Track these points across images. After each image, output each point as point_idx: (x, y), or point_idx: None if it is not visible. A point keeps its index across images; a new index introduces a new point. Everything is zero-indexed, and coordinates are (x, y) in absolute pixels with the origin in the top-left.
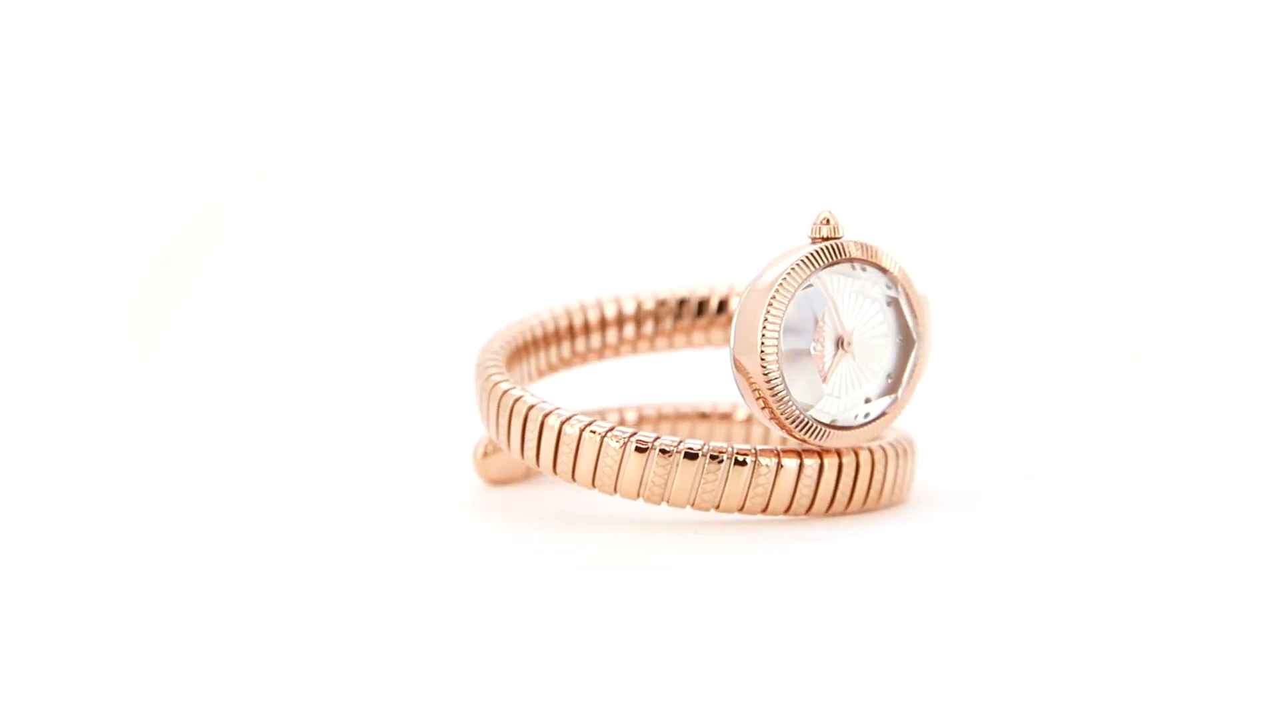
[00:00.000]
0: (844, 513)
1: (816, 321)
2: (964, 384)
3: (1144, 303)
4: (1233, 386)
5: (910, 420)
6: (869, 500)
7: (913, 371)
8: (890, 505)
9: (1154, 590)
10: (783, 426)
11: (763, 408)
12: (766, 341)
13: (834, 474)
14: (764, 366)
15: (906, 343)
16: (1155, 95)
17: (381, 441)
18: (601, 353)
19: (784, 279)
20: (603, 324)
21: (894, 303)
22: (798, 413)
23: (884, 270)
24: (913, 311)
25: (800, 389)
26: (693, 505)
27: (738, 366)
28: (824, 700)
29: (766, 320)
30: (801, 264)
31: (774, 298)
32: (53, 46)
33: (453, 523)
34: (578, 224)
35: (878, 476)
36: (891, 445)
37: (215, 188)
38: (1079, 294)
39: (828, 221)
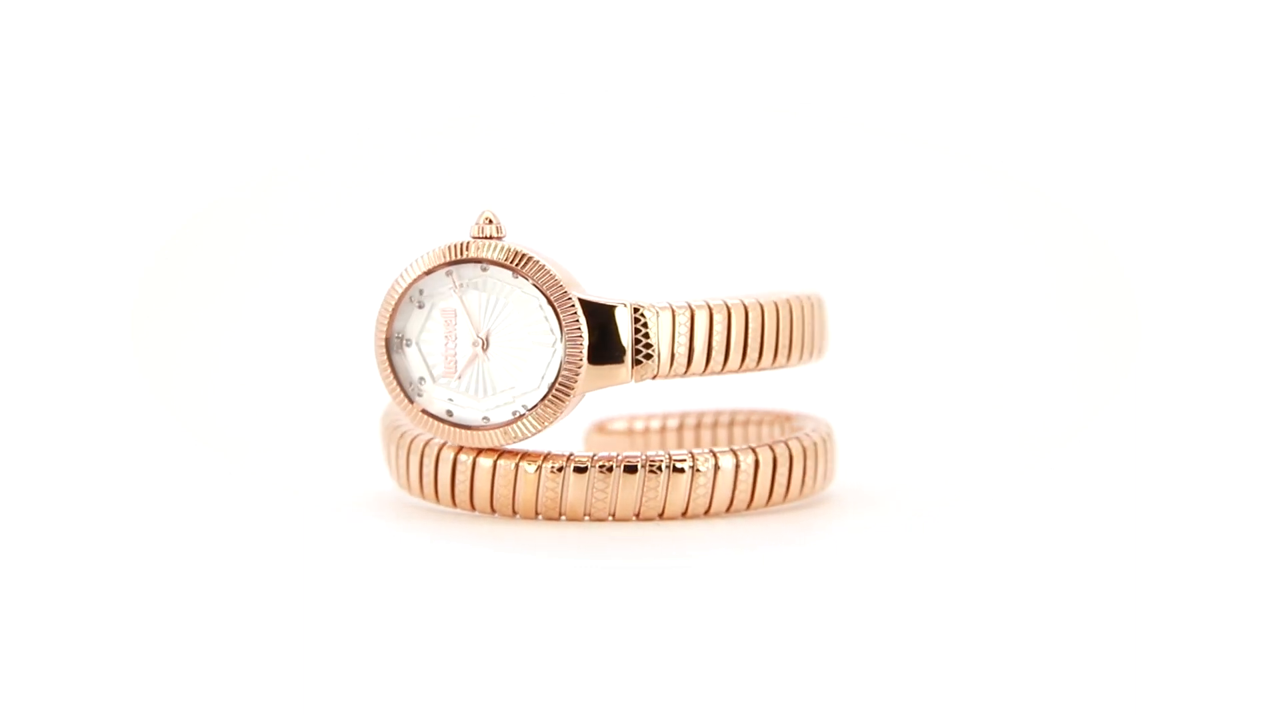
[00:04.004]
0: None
1: (448, 317)
2: (962, 384)
3: (1141, 303)
4: (1231, 387)
5: (908, 421)
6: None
7: (559, 374)
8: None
9: (1151, 590)
10: (415, 420)
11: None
12: (378, 330)
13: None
14: (377, 355)
15: (575, 348)
16: (1153, 95)
17: (374, 438)
18: None
19: (409, 271)
20: None
21: (554, 307)
22: (419, 405)
23: (532, 277)
24: (558, 319)
25: (427, 384)
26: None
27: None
28: (825, 701)
29: (382, 310)
30: (433, 256)
31: (392, 289)
32: (49, 48)
33: (447, 521)
34: (572, 221)
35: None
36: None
37: (211, 188)
38: (1075, 294)
39: (490, 221)
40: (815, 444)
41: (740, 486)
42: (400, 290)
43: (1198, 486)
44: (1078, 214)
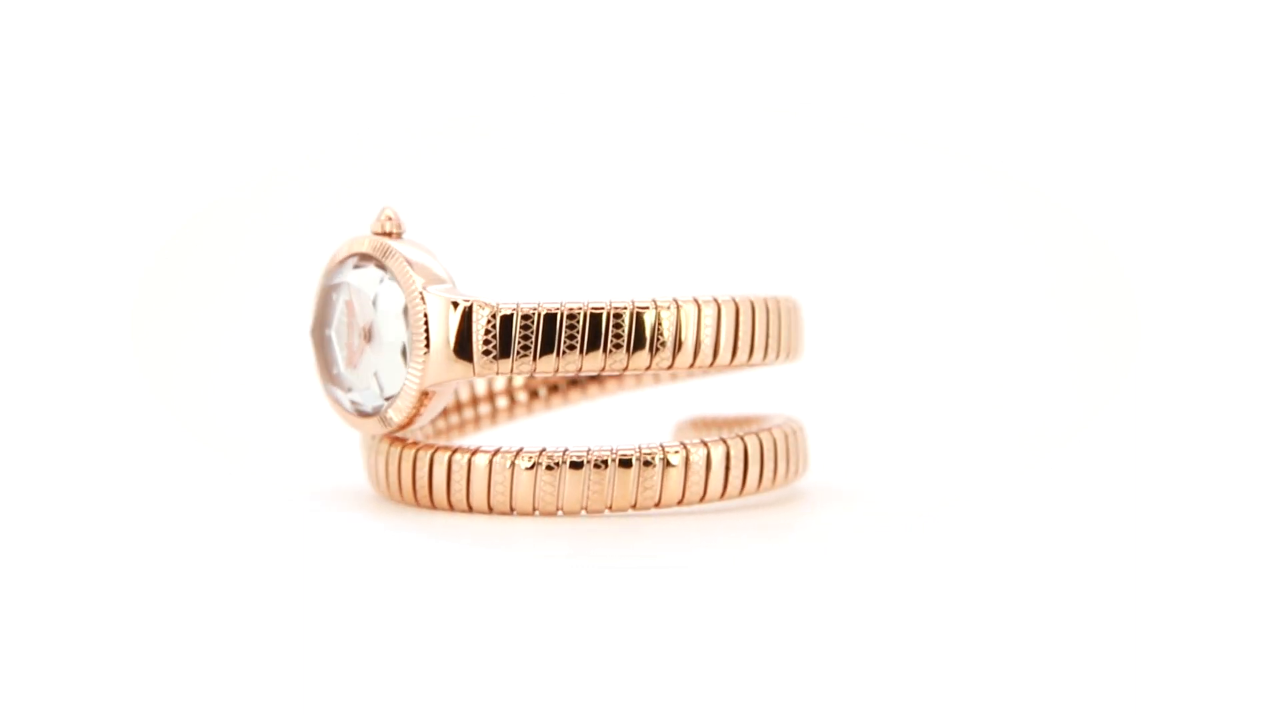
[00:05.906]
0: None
1: (349, 309)
2: (962, 384)
3: (1141, 303)
4: (1230, 388)
5: (908, 420)
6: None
7: (409, 366)
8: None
9: (1150, 590)
10: (331, 407)
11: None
12: (311, 320)
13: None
14: (310, 343)
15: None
16: (1153, 96)
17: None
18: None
19: (329, 264)
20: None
21: (407, 303)
22: (332, 390)
23: (394, 273)
24: (405, 320)
25: (338, 371)
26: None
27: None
28: (823, 701)
29: (314, 299)
30: (340, 250)
31: (319, 282)
32: (50, 49)
33: (449, 521)
34: (569, 219)
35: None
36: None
37: (211, 188)
38: (1075, 294)
39: (390, 219)
40: (796, 431)
41: (732, 475)
42: (322, 282)
43: (1196, 487)
44: (1078, 214)
